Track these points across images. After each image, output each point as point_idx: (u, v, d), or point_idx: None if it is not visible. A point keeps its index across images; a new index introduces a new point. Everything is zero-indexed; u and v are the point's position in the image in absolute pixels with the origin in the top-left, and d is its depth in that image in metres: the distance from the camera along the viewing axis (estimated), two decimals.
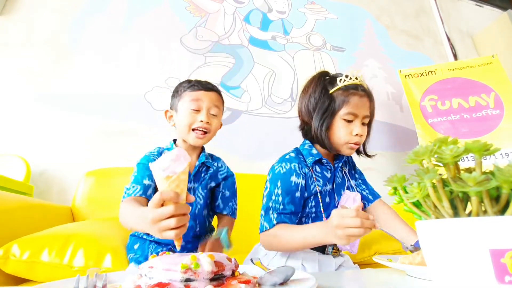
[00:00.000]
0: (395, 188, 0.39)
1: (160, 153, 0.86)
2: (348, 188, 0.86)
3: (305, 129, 0.85)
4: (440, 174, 0.33)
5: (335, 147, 0.79)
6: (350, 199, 0.80)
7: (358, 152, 0.85)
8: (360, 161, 0.94)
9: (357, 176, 0.94)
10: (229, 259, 0.41)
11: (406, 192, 0.36)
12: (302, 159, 0.80)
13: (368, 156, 0.86)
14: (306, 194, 0.77)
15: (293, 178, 0.75)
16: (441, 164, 0.34)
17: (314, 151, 0.82)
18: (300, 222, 0.80)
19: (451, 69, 2.03)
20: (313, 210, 0.80)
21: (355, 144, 0.77)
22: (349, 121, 0.77)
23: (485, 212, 0.30)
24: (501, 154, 1.74)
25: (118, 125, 1.58)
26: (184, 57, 1.86)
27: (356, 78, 0.78)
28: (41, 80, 1.55)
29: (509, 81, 1.91)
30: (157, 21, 1.90)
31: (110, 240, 0.85)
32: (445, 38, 2.74)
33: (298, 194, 0.75)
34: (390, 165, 2.07)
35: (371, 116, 0.81)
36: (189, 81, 0.86)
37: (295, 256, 0.77)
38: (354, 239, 0.57)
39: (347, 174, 0.89)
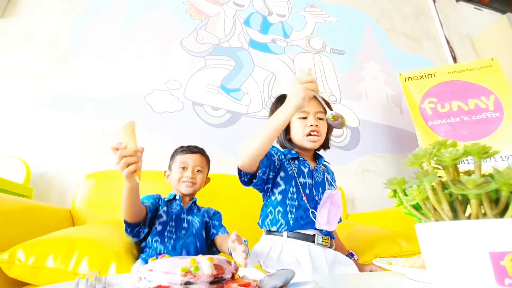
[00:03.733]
0: (394, 191, 0.39)
1: (158, 197, 1.04)
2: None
3: (278, 141, 1.00)
4: (439, 177, 0.33)
5: (298, 143, 0.93)
6: (330, 196, 0.89)
7: (324, 148, 1.00)
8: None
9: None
10: (229, 262, 0.41)
11: (406, 195, 0.36)
12: (282, 152, 0.96)
13: (328, 148, 1.01)
14: (282, 173, 0.89)
15: (272, 150, 0.91)
16: (440, 167, 0.34)
17: (293, 151, 0.96)
18: (285, 212, 0.87)
19: (451, 71, 2.03)
20: (295, 196, 0.88)
21: (313, 132, 0.90)
22: (304, 118, 0.91)
23: (484, 214, 0.30)
24: (500, 156, 1.74)
25: (118, 127, 1.58)
26: (184, 60, 1.87)
27: None
28: (42, 82, 1.55)
29: (508, 84, 1.91)
30: (157, 23, 1.91)
31: (115, 245, 0.84)
32: (445, 41, 2.75)
33: (275, 158, 0.88)
34: (389, 167, 2.07)
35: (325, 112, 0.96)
36: (181, 147, 1.08)
37: (288, 250, 0.82)
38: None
39: (330, 180, 0.99)
